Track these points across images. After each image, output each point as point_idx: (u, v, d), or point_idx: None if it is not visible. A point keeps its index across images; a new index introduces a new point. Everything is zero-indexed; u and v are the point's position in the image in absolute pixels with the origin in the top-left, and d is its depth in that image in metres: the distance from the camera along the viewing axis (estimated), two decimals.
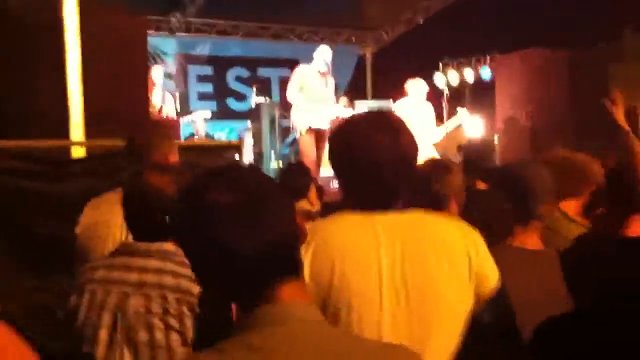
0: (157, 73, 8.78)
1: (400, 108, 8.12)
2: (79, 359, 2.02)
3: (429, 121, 8.30)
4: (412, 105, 8.18)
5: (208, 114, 9.78)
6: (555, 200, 2.49)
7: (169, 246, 2.10)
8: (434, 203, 2.43)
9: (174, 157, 2.95)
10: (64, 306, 2.11)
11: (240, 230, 1.17)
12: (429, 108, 8.44)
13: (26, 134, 4.52)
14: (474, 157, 4.90)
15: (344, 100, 9.93)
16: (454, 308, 1.70)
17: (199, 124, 9.66)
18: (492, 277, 1.78)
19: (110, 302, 2.01)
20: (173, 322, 1.97)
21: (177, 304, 1.98)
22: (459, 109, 9.09)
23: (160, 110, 8.85)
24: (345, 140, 1.82)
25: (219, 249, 1.18)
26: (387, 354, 1.27)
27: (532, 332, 1.65)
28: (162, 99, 8.71)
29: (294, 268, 1.26)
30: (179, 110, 9.43)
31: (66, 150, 4.89)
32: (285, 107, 8.55)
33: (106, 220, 2.76)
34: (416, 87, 8.32)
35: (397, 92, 9.49)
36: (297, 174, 4.43)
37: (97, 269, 2.10)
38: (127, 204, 2.19)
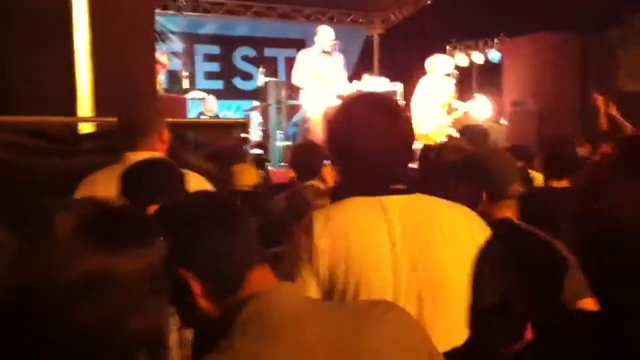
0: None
1: (425, 86, 8.24)
2: None
3: (448, 97, 8.43)
4: (436, 82, 8.29)
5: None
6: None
7: None
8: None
9: (166, 135, 2.95)
10: None
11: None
12: (451, 84, 8.55)
13: (33, 113, 4.53)
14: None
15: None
16: (461, 289, 1.72)
17: (210, 103, 9.70)
18: None
19: None
20: None
21: None
22: (475, 95, 9.16)
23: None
24: (342, 125, 1.82)
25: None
26: (375, 310, 1.30)
27: None
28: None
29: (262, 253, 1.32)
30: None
31: (73, 127, 4.91)
32: (292, 86, 8.59)
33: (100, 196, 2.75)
34: (440, 62, 8.42)
35: (404, 73, 9.47)
36: (308, 153, 4.42)
37: None
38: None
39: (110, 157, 3.00)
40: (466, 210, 1.84)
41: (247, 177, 4.69)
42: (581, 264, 2.27)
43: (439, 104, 8.31)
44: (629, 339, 2.11)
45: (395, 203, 1.74)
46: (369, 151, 1.75)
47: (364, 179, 1.81)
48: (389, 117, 1.76)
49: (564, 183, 3.74)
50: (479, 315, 1.69)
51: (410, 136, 1.83)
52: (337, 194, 2.19)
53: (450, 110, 8.46)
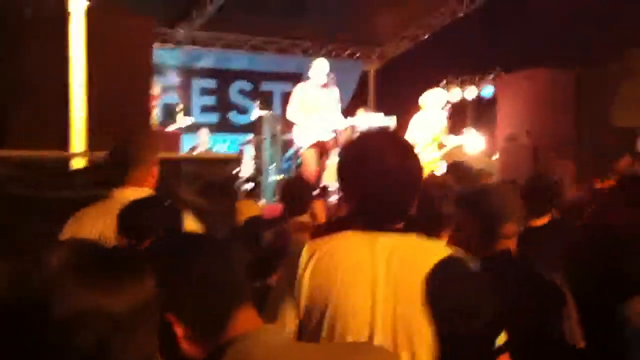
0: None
1: (417, 121, 8.31)
2: None
3: (440, 132, 8.50)
4: (429, 118, 8.36)
5: None
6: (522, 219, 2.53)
7: None
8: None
9: (156, 170, 2.95)
10: None
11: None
12: (443, 118, 8.62)
13: (28, 144, 4.54)
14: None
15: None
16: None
17: (202, 137, 9.75)
18: None
19: None
20: None
21: None
22: (465, 129, 9.22)
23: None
24: (355, 160, 1.83)
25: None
26: (357, 351, 1.29)
27: None
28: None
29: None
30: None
31: (66, 161, 4.90)
32: (287, 121, 8.61)
33: (88, 233, 2.73)
34: (433, 98, 8.50)
35: (400, 108, 9.51)
36: (298, 189, 4.42)
37: None
38: None
39: (100, 192, 3.00)
40: (457, 252, 1.83)
41: (249, 211, 4.73)
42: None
43: (430, 138, 8.37)
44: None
45: (387, 241, 1.74)
46: (378, 187, 1.76)
47: (366, 213, 1.81)
48: (402, 156, 1.78)
49: (544, 220, 3.68)
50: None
51: (419, 176, 1.84)
52: (333, 228, 2.19)
53: (441, 145, 8.51)
